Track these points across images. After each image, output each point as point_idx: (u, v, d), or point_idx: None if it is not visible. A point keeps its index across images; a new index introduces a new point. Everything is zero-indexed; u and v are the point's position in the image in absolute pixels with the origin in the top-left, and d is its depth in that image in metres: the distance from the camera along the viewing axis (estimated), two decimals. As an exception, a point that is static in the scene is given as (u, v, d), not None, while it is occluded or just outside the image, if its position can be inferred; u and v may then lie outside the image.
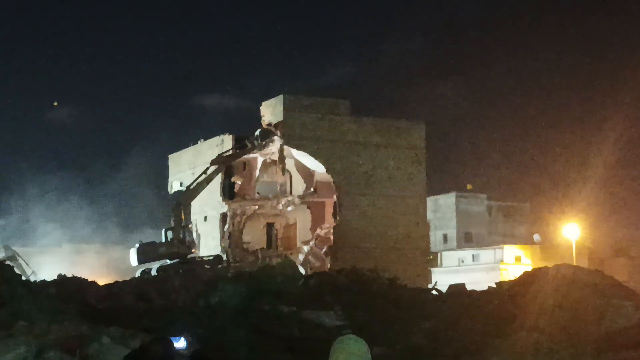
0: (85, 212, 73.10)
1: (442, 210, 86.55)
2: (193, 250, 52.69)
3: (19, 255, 46.08)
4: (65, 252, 73.94)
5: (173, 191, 64.56)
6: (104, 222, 67.47)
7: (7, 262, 33.68)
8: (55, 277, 38.55)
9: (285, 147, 56.82)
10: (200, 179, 54.22)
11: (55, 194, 76.83)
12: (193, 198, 54.29)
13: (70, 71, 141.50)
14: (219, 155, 56.78)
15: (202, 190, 54.33)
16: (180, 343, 7.11)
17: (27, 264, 43.04)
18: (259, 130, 57.32)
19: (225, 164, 56.68)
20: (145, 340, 19.51)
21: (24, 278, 36.93)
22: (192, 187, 54.02)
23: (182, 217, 52.72)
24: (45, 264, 64.73)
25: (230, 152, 57.56)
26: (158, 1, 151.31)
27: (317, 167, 57.61)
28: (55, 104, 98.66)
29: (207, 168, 55.01)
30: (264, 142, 56.92)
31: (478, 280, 52.15)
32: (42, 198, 75.48)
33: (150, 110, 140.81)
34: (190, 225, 54.86)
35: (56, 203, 73.00)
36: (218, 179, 57.47)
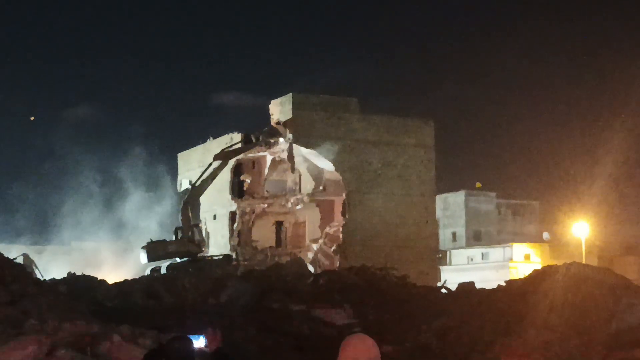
0: (91, 209, 73.22)
1: (451, 209, 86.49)
2: (203, 248, 52.76)
3: (36, 267, 46.51)
4: (73, 250, 74.11)
5: (182, 189, 64.69)
6: (112, 220, 67.55)
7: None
8: (65, 276, 38.69)
9: (294, 145, 56.87)
10: (204, 176, 54.21)
11: (65, 191, 76.93)
12: (199, 195, 54.31)
13: (79, 71, 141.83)
14: (222, 150, 56.73)
15: (207, 186, 54.32)
16: (199, 342, 7.14)
17: (42, 276, 43.47)
18: (267, 127, 57.42)
19: (228, 159, 56.55)
20: (159, 339, 19.59)
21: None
22: (197, 184, 54.04)
23: (190, 215, 52.77)
24: (53, 262, 64.88)
25: (234, 147, 57.53)
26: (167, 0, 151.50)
27: (326, 165, 57.64)
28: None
29: (210, 164, 55.03)
30: (272, 140, 56.98)
31: (487, 278, 52.13)
32: (46, 194, 75.60)
33: (161, 109, 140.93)
34: (199, 224, 54.91)
35: (65, 201, 73.11)
36: (227, 177, 57.53)
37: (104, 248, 68.25)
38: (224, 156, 55.82)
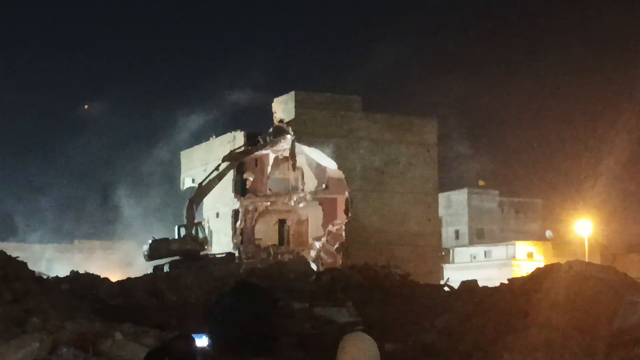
0: (95, 207, 73.33)
1: (454, 207, 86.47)
2: (205, 247, 52.76)
3: (42, 274, 46.72)
4: (75, 248, 74.24)
5: (185, 187, 64.77)
6: (115, 218, 67.68)
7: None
8: (68, 274, 38.72)
9: (297, 143, 56.87)
10: (212, 176, 54.28)
11: (63, 188, 77.07)
12: (205, 195, 54.34)
13: (83, 69, 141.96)
14: (231, 151, 56.87)
15: (214, 187, 54.37)
16: (202, 341, 7.13)
17: (48, 276, 43.63)
18: (272, 128, 57.41)
19: (237, 161, 56.73)
20: (161, 337, 19.59)
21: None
22: (203, 183, 54.06)
23: (194, 213, 52.81)
24: (56, 260, 64.96)
25: (242, 148, 57.64)
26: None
27: (328, 163, 57.64)
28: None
29: (219, 165, 55.08)
30: (278, 140, 57.02)
31: (490, 276, 52.07)
32: (50, 193, 75.72)
33: (160, 106, 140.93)
34: (202, 222, 54.95)
35: (65, 198, 73.26)
36: (230, 175, 57.55)
37: (106, 247, 68.31)
38: (232, 157, 55.90)
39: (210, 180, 54.03)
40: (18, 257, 29.51)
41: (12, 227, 73.44)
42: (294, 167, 58.29)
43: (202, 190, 54.01)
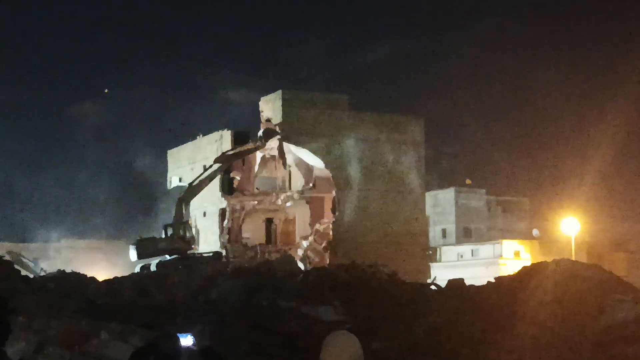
0: (83, 206, 73.16)
1: (441, 205, 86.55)
2: (192, 246, 52.67)
3: (24, 257, 46.38)
4: (63, 247, 74.02)
5: (172, 186, 64.66)
6: (103, 217, 67.56)
7: (16, 266, 33.61)
8: (54, 272, 38.58)
9: (284, 142, 56.81)
10: (202, 177, 54.22)
11: (53, 188, 76.86)
12: (195, 195, 54.26)
13: (74, 69, 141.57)
14: (223, 153, 56.80)
15: (204, 187, 54.33)
16: (187, 340, 7.12)
17: (34, 264, 43.46)
18: (262, 130, 57.28)
19: (228, 162, 56.65)
20: (148, 336, 19.53)
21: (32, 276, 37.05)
22: (194, 184, 53.98)
23: (183, 212, 52.72)
24: (44, 259, 64.75)
25: (233, 150, 57.48)
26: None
27: (316, 162, 57.62)
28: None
29: (211, 166, 55.02)
30: (268, 141, 56.95)
31: (477, 275, 52.12)
32: (40, 193, 75.57)
33: (149, 104, 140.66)
34: (189, 221, 54.85)
35: (54, 198, 73.03)
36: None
37: (93, 246, 68.12)
38: (224, 159, 55.84)
39: (200, 180, 54.01)
40: (3, 256, 29.43)
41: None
42: (285, 165, 58.26)
43: (193, 190, 53.93)
